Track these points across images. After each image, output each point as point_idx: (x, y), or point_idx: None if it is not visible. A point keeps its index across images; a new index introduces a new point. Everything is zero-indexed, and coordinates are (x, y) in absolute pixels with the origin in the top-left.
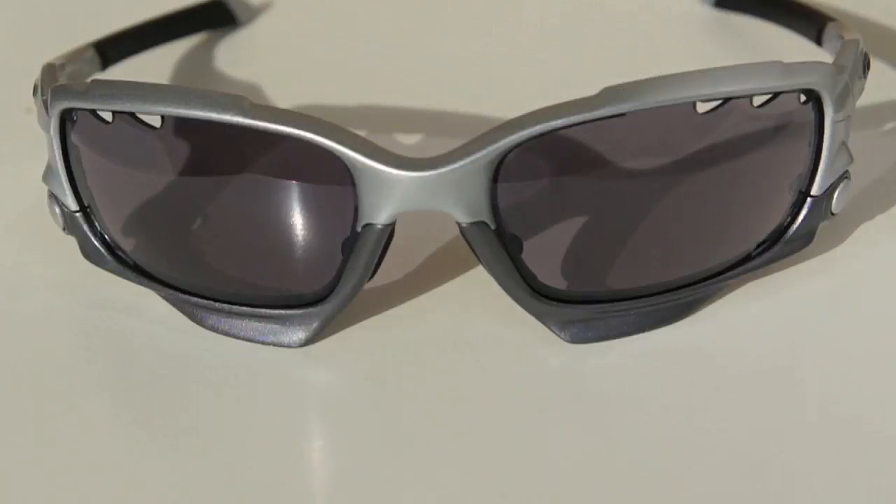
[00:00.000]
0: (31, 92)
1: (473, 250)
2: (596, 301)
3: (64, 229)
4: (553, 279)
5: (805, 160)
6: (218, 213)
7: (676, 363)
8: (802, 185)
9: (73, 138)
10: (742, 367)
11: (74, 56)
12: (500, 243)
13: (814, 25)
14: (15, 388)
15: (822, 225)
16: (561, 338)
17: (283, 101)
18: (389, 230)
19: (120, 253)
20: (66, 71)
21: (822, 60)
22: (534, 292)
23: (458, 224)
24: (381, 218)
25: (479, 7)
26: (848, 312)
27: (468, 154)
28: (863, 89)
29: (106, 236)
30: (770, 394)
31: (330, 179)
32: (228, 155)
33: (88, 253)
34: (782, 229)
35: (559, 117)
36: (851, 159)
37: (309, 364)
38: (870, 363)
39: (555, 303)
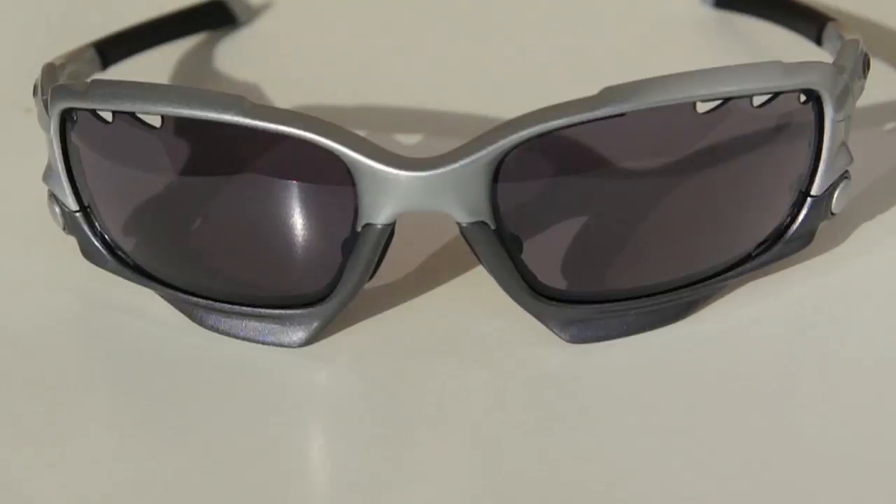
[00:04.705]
0: (31, 92)
1: (473, 250)
2: (596, 301)
3: (64, 229)
4: (553, 279)
5: (805, 160)
6: (218, 213)
7: (676, 363)
8: (802, 184)
9: (73, 138)
10: (742, 367)
11: (74, 56)
12: (500, 243)
13: (814, 25)
14: (15, 387)
15: (822, 225)
16: (561, 338)
17: (283, 101)
18: (389, 230)
19: (120, 253)
20: (66, 71)
21: (822, 60)
22: (534, 292)
23: (458, 224)
24: (381, 218)
25: (479, 7)
26: (848, 312)
27: (468, 154)
28: (863, 89)
29: (106, 236)
30: (770, 394)
31: (330, 179)
32: (228, 155)
33: (88, 253)
34: (782, 229)
35: (559, 117)
36: (851, 159)
37: (309, 364)
38: (870, 363)
39: (555, 303)
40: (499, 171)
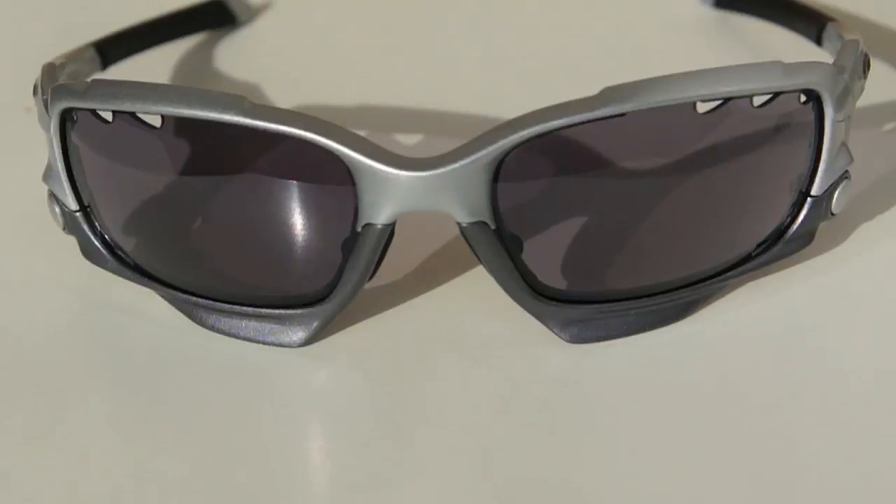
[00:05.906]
0: (31, 92)
1: (473, 250)
2: (596, 301)
3: (64, 229)
4: (553, 279)
5: (805, 160)
6: (218, 212)
7: (676, 363)
8: (802, 185)
9: (73, 138)
10: (742, 367)
11: (74, 56)
12: (500, 243)
13: (814, 25)
14: (15, 387)
15: (822, 225)
16: (561, 338)
17: (283, 101)
18: (389, 230)
19: (120, 253)
20: (66, 71)
21: (822, 60)
22: (534, 292)
23: (458, 224)
24: (381, 218)
25: (479, 7)
26: (848, 312)
27: (468, 154)
28: (863, 89)
29: (106, 236)
30: (770, 394)
31: (330, 179)
32: (228, 155)
33: (88, 253)
34: (782, 229)
35: (559, 117)
36: (851, 159)
37: (309, 364)
38: (870, 363)
39: (555, 303)
40: (499, 171)
